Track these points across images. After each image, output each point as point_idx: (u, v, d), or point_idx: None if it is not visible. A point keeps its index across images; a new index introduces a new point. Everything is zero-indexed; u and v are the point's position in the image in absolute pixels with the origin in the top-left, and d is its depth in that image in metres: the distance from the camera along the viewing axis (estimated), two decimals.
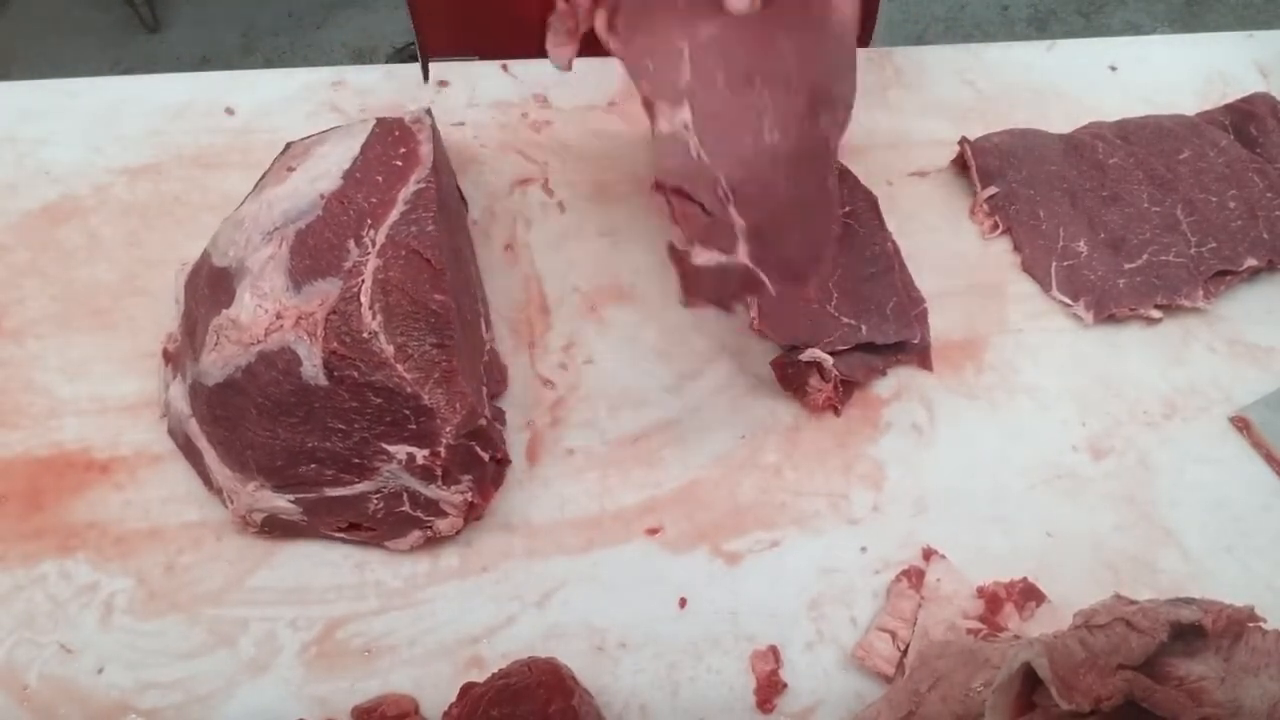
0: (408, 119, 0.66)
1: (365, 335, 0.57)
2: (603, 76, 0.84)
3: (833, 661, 0.58)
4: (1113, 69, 0.88)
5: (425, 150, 0.65)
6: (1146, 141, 0.78)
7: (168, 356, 0.66)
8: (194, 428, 0.61)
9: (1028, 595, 0.59)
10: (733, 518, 0.63)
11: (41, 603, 0.58)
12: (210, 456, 0.60)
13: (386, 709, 0.54)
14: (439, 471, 0.58)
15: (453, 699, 0.53)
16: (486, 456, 0.60)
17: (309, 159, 0.63)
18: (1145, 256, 0.72)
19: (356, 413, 0.57)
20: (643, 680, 0.57)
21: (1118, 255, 0.72)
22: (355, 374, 0.56)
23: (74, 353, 0.67)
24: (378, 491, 0.59)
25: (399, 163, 0.63)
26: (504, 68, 0.84)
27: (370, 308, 0.57)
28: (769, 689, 0.56)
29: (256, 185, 0.65)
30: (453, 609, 0.59)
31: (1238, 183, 0.75)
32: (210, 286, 0.61)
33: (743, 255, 0.56)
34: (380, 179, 0.62)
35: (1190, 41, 0.91)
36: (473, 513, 0.61)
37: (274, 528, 0.60)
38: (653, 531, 0.62)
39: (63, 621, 0.58)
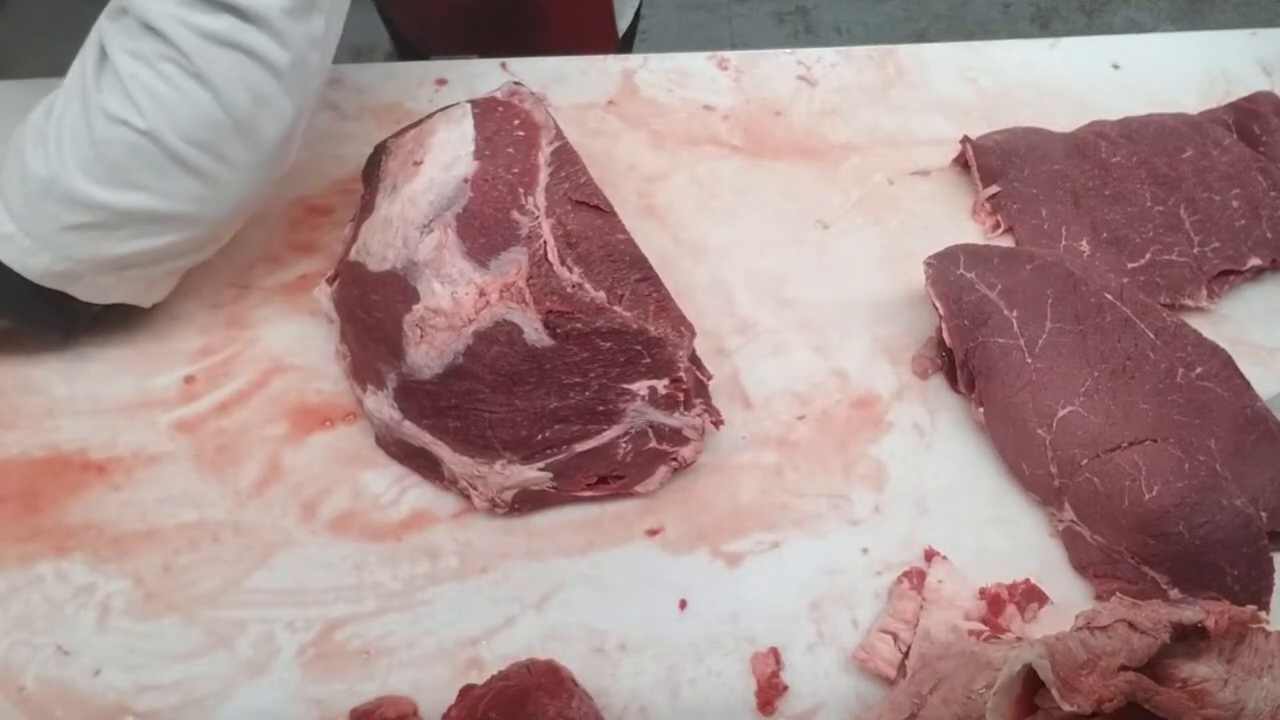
0: (500, 94, 0.67)
1: (570, 289, 0.58)
2: (602, 75, 0.84)
3: (834, 663, 0.58)
4: (1115, 67, 0.87)
5: (540, 115, 0.65)
6: (1149, 140, 0.77)
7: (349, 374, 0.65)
8: (410, 429, 0.60)
9: (1030, 596, 0.59)
10: (733, 519, 0.62)
11: (38, 604, 0.58)
12: (442, 450, 0.60)
13: (385, 711, 0.54)
14: (681, 397, 0.59)
15: (452, 701, 0.53)
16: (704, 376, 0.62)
17: (429, 150, 0.63)
18: (1148, 256, 0.72)
19: (589, 362, 0.58)
20: (643, 682, 0.57)
21: (1121, 254, 0.72)
22: (579, 325, 0.57)
23: (70, 352, 0.67)
24: (625, 434, 0.60)
25: (521, 132, 0.64)
26: (503, 66, 0.84)
27: (563, 263, 0.59)
28: (770, 691, 0.56)
29: (373, 190, 0.65)
30: (452, 610, 0.59)
31: (1241, 182, 0.75)
32: (380, 291, 0.61)
33: None
34: (511, 150, 0.63)
35: (1193, 39, 0.91)
36: (717, 427, 0.63)
37: (524, 502, 0.61)
38: (653, 532, 0.62)
39: (59, 623, 0.57)
